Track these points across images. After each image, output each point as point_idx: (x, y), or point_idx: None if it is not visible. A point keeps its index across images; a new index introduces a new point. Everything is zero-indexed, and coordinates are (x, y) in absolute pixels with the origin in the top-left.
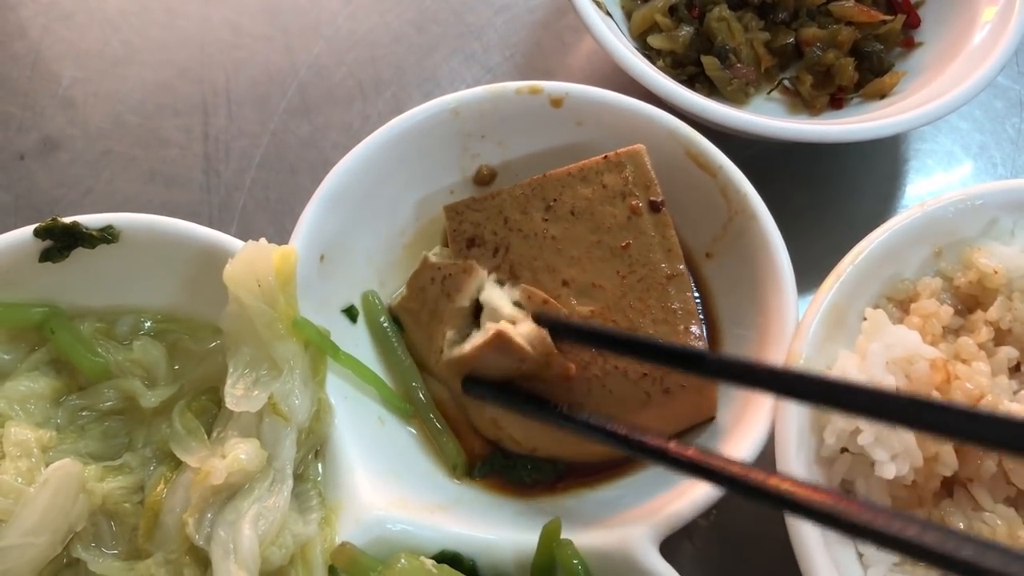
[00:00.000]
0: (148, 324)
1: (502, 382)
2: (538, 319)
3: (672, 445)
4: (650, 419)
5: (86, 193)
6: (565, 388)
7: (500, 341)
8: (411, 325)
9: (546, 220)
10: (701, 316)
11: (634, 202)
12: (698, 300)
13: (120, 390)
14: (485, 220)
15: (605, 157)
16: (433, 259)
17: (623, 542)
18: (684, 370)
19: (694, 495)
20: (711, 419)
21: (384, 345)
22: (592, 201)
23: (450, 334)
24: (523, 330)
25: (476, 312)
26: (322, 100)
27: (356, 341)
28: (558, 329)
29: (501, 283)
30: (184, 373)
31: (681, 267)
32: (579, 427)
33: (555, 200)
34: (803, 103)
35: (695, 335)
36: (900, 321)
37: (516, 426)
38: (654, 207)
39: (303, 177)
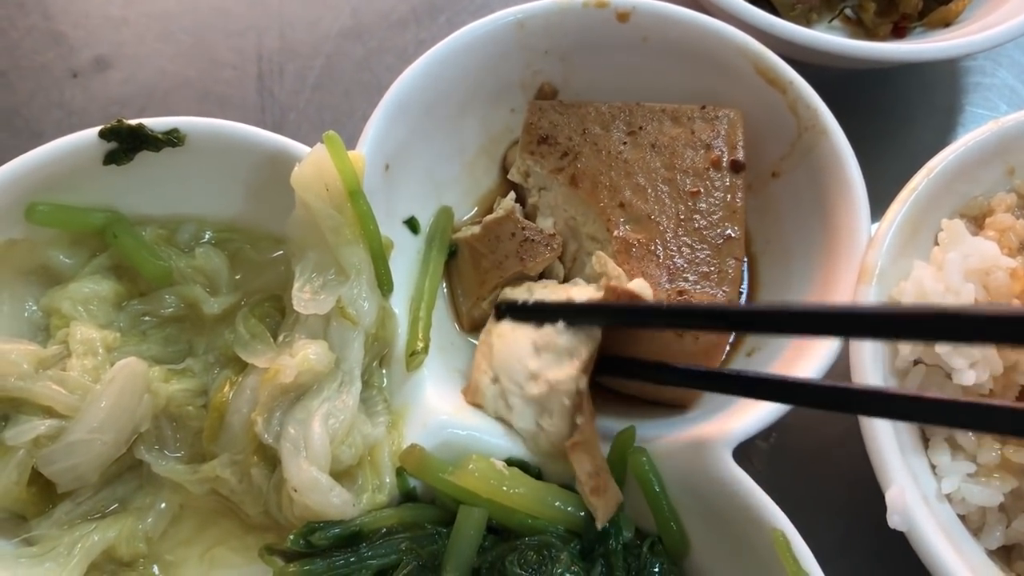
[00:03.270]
0: (209, 233)
1: None
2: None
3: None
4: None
5: (140, 111)
6: None
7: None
8: (467, 262)
9: (624, 143)
10: (743, 286)
11: (717, 154)
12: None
13: (181, 296)
14: (565, 123)
15: (703, 107)
16: (519, 215)
17: (697, 449)
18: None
19: (762, 407)
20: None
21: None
22: (676, 140)
23: (507, 291)
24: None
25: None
26: (375, 24)
27: (415, 252)
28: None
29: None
30: (245, 282)
31: (740, 233)
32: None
33: (640, 128)
34: (865, 31)
35: (731, 300)
36: (976, 236)
37: None
38: (736, 166)
39: (357, 99)
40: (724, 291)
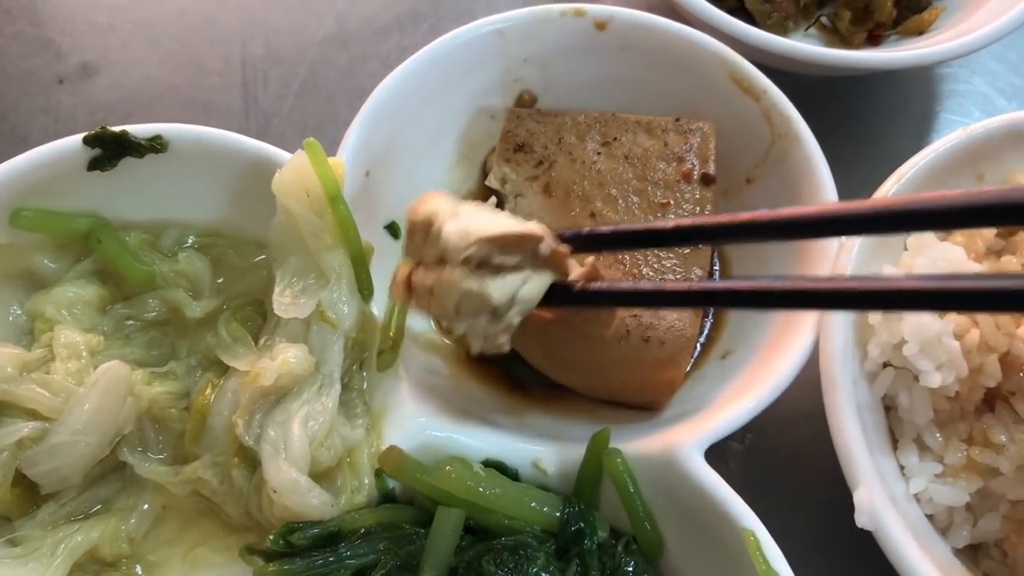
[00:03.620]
0: (192, 238)
1: None
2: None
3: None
4: (613, 364)
5: (125, 117)
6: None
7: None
8: None
9: (599, 153)
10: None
11: (688, 167)
12: (716, 271)
13: (164, 301)
14: (541, 132)
15: (677, 119)
16: None
17: (669, 450)
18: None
19: (734, 409)
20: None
21: None
22: (649, 152)
23: None
24: None
25: None
26: (359, 31)
27: (396, 256)
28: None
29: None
30: (228, 286)
31: (706, 245)
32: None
33: (615, 139)
34: (840, 39)
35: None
36: (943, 241)
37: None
38: (706, 179)
39: (341, 106)
40: None
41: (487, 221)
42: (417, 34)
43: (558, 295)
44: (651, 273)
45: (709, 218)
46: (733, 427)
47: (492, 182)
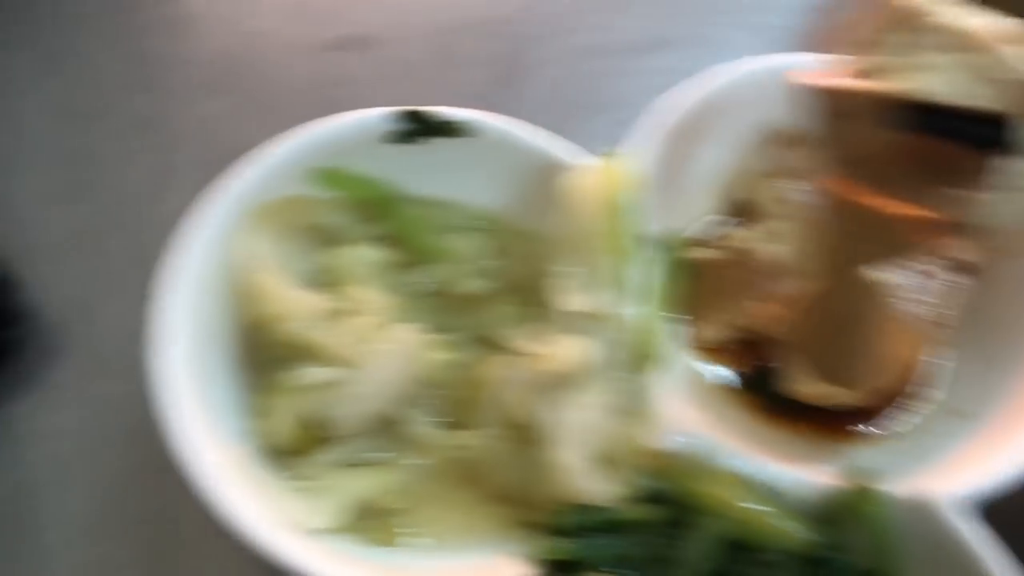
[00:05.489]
0: (475, 221)
1: None
2: None
3: None
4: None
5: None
6: None
7: None
8: (706, 282)
9: None
10: None
11: None
12: None
13: (446, 274)
14: None
15: None
16: (756, 245)
17: (931, 498)
18: None
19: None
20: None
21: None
22: None
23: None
24: None
25: None
26: (621, 47)
27: (659, 266)
28: None
29: None
30: (505, 271)
31: None
32: None
33: None
34: None
35: None
36: None
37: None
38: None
39: (598, 115)
40: None
41: None
42: (674, 56)
43: None
44: None
45: None
46: (1004, 484)
47: (760, 194)
